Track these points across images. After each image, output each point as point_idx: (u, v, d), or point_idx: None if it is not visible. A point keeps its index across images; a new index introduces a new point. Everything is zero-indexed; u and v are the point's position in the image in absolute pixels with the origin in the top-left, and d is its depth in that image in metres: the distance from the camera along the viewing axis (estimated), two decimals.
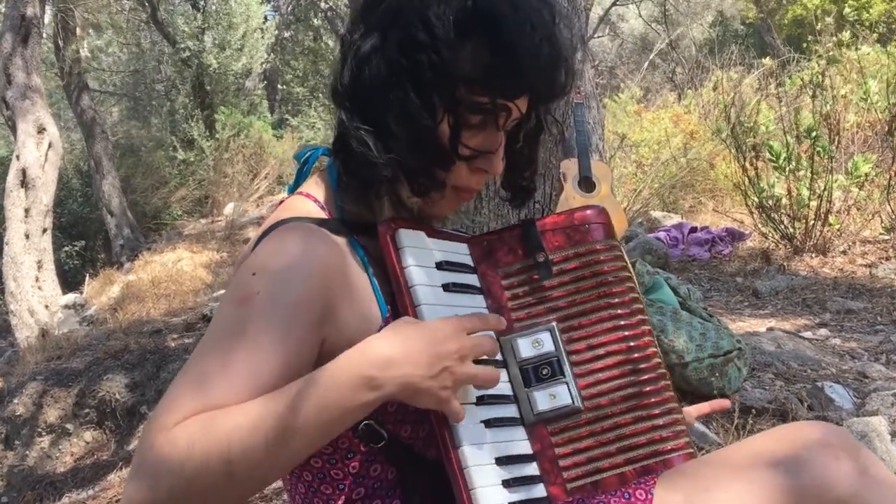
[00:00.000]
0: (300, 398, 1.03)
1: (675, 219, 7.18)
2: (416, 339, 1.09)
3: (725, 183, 7.56)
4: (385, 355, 1.06)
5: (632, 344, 1.31)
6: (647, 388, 1.30)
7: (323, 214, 1.25)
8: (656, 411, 1.29)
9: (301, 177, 1.35)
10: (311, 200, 1.27)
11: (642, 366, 1.31)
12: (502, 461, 1.21)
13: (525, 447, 1.26)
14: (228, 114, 11.80)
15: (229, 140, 11.25)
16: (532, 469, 1.26)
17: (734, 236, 6.32)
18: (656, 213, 7.43)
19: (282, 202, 1.31)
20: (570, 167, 5.21)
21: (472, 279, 1.32)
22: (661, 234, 6.40)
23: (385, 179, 1.21)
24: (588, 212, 1.36)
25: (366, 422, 1.18)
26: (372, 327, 1.18)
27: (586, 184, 5.34)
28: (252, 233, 8.61)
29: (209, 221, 10.17)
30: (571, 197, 4.89)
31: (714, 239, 6.25)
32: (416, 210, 1.27)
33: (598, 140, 6.78)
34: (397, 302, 1.21)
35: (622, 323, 1.32)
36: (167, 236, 9.55)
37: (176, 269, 7.59)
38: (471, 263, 1.33)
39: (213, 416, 1.02)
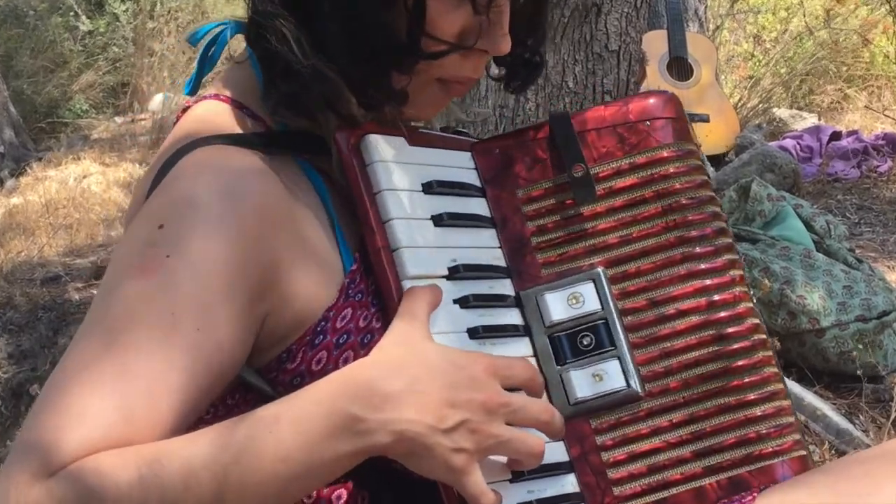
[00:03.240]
0: (252, 443, 0.90)
1: (810, 120, 6.67)
2: (427, 369, 0.96)
3: (886, 67, 7.17)
4: (380, 388, 0.93)
5: (716, 298, 1.13)
6: (739, 363, 1.13)
7: (252, 126, 1.12)
8: (751, 396, 1.12)
9: (206, 66, 1.20)
10: (229, 105, 1.13)
11: (730, 329, 1.13)
12: (522, 475, 1.06)
13: (558, 452, 1.11)
14: None
15: (155, 2, 9.78)
16: (568, 484, 1.11)
17: None
18: (782, 112, 6.92)
19: (185, 110, 1.16)
20: (655, 42, 4.86)
21: (479, 205, 1.16)
22: (790, 143, 5.92)
23: (317, 96, 1.08)
24: (650, 100, 1.18)
25: None
26: (328, 291, 1.06)
27: (679, 67, 4.96)
28: None
29: (128, 120, 8.92)
30: (657, 86, 4.54)
31: (867, 149, 5.74)
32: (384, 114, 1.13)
33: (699, 3, 6.34)
34: (367, 246, 1.08)
35: (702, 267, 1.14)
36: (68, 141, 8.39)
37: (80, 188, 6.74)
38: (476, 182, 1.17)
39: (142, 459, 0.90)
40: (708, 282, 1.13)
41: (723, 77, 7.08)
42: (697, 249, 1.13)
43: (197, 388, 0.95)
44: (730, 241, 1.15)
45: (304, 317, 1.04)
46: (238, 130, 1.09)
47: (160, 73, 9.20)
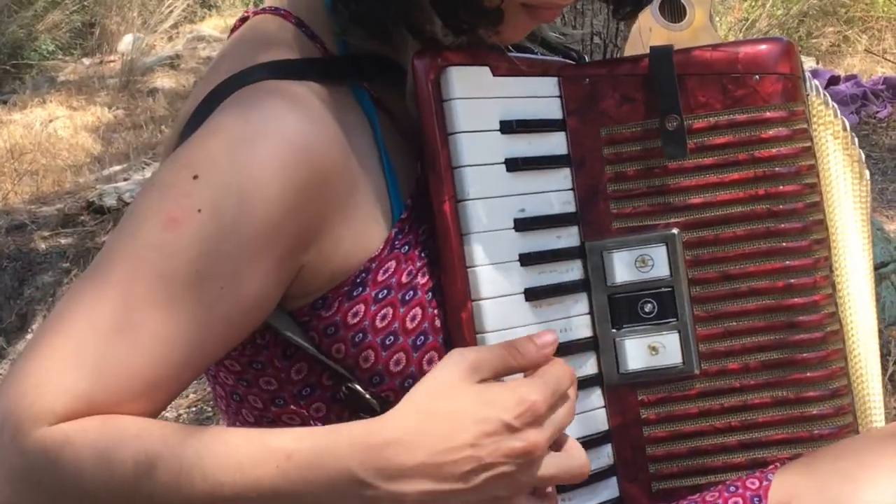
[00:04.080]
0: (255, 471, 0.85)
1: (808, 64, 6.53)
2: (457, 424, 0.87)
3: (887, 8, 7.01)
4: (396, 460, 0.86)
5: (793, 282, 1.07)
6: (805, 355, 1.08)
7: (307, 49, 1.03)
8: (811, 393, 1.08)
9: None
10: (289, 22, 1.04)
11: (803, 318, 1.08)
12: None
13: (599, 420, 1.07)
14: None
15: None
16: (603, 456, 1.07)
17: None
18: None
19: (242, 21, 1.08)
20: None
21: (557, 141, 1.08)
22: None
23: (397, 12, 0.98)
24: (762, 48, 1.09)
25: (349, 385, 1.01)
26: (372, 242, 0.99)
27: (672, 8, 4.75)
28: (162, 79, 7.51)
29: (97, 62, 8.47)
30: (647, 29, 4.33)
31: (866, 94, 5.63)
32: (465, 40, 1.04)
33: None
34: (430, 193, 1.01)
35: (785, 245, 1.07)
36: (33, 84, 8.00)
37: (47, 133, 6.48)
38: (558, 113, 1.09)
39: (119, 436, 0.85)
40: (789, 262, 1.07)
41: (717, 19, 6.90)
42: (784, 225, 1.07)
43: (215, 346, 0.92)
44: (821, 217, 1.10)
45: (343, 268, 0.98)
46: (294, 54, 1.01)
47: (130, 12, 8.83)
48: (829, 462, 1.04)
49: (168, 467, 0.84)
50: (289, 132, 0.93)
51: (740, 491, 1.04)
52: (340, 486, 0.86)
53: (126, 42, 8.26)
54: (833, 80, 5.63)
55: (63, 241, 4.50)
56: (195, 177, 0.91)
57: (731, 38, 6.77)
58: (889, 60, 6.40)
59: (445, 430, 0.86)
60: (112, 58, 8.32)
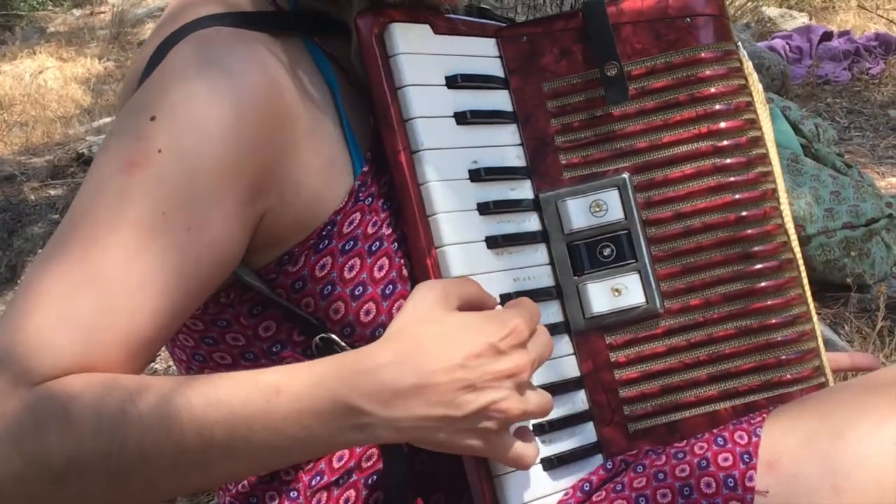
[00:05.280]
0: (246, 409, 0.85)
1: (800, 20, 6.58)
2: (446, 349, 0.88)
3: None
4: (389, 383, 0.86)
5: (744, 214, 1.10)
6: (763, 284, 1.10)
7: (260, 3, 1.04)
8: (774, 320, 1.10)
9: None
10: None
11: (757, 248, 1.10)
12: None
13: (569, 366, 1.08)
14: None
15: None
16: (578, 401, 1.08)
17: (889, 47, 5.72)
18: (771, 11, 6.81)
19: None
20: None
21: (502, 99, 1.11)
22: (778, 43, 5.82)
23: None
24: None
25: (322, 336, 1.02)
26: (336, 193, 1.01)
27: None
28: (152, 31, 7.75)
29: (86, 13, 8.61)
30: None
31: (858, 51, 5.67)
32: None
33: None
34: (385, 146, 1.02)
35: (732, 180, 1.10)
36: (22, 35, 8.06)
37: (36, 84, 6.54)
38: (500, 73, 1.12)
39: (114, 391, 0.85)
40: (738, 196, 1.10)
41: None
42: (729, 161, 1.10)
43: (186, 290, 0.91)
44: (764, 151, 1.12)
45: (307, 219, 0.99)
46: (244, 8, 1.02)
47: None
48: (816, 417, 1.05)
49: (156, 412, 0.83)
50: (243, 73, 0.94)
51: (729, 446, 1.04)
52: (335, 416, 0.85)
53: None
54: (826, 36, 5.65)
55: (52, 192, 4.43)
56: (152, 118, 0.91)
57: None
58: (882, 17, 6.38)
59: (435, 353, 0.87)
60: (102, 9, 8.29)
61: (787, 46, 5.58)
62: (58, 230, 0.91)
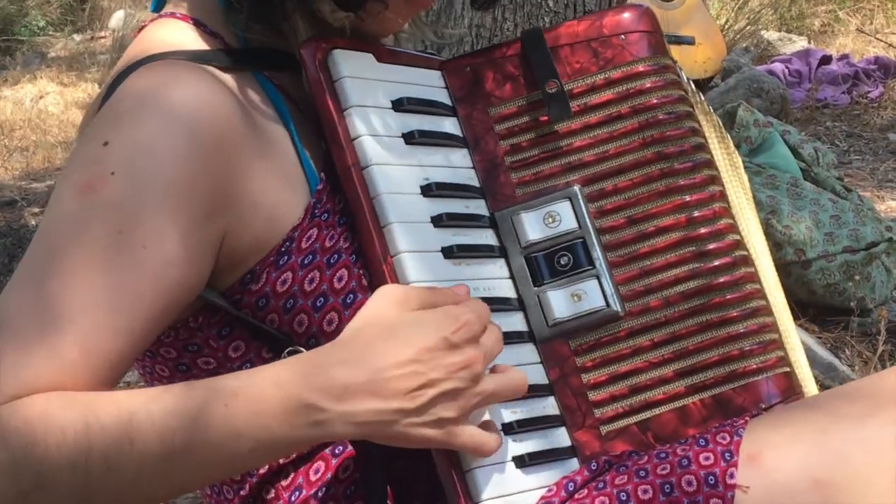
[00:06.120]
0: (204, 414, 0.89)
1: (800, 43, 6.50)
2: (399, 344, 0.92)
3: None
4: (341, 379, 0.90)
5: (696, 214, 1.14)
6: (720, 280, 1.13)
7: (209, 43, 1.09)
8: (734, 313, 1.12)
9: None
10: (188, 23, 1.11)
11: (711, 246, 1.13)
12: None
13: (537, 374, 1.11)
14: None
15: None
16: (548, 406, 1.10)
17: (888, 70, 5.69)
18: (770, 35, 6.71)
19: (141, 29, 1.14)
20: None
21: (450, 124, 1.16)
22: (778, 67, 5.78)
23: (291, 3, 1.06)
24: (624, 14, 1.18)
25: (290, 349, 1.03)
26: (293, 211, 1.05)
27: None
28: None
29: (87, 38, 8.60)
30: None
31: (857, 74, 5.65)
32: (349, 29, 1.11)
33: None
34: (336, 164, 1.06)
35: (680, 183, 1.14)
36: (24, 60, 8.06)
37: (37, 109, 6.48)
38: (447, 101, 1.17)
39: (76, 402, 0.88)
40: (687, 198, 1.13)
41: None
42: (676, 165, 1.14)
43: (149, 310, 0.94)
44: (708, 156, 1.16)
45: (266, 237, 1.03)
46: (196, 48, 1.07)
47: None
48: (799, 417, 1.07)
49: (118, 423, 0.86)
50: (192, 96, 0.98)
51: (711, 446, 1.05)
52: (291, 414, 0.88)
53: (117, 18, 8.20)
54: (825, 60, 5.64)
55: None
56: (105, 143, 0.95)
57: (724, 18, 6.64)
58: (881, 40, 6.37)
59: (388, 349, 0.90)
60: (103, 34, 8.33)
61: (786, 70, 5.57)
62: (24, 257, 0.95)
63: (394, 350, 0.90)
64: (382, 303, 0.94)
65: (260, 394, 0.89)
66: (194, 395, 0.89)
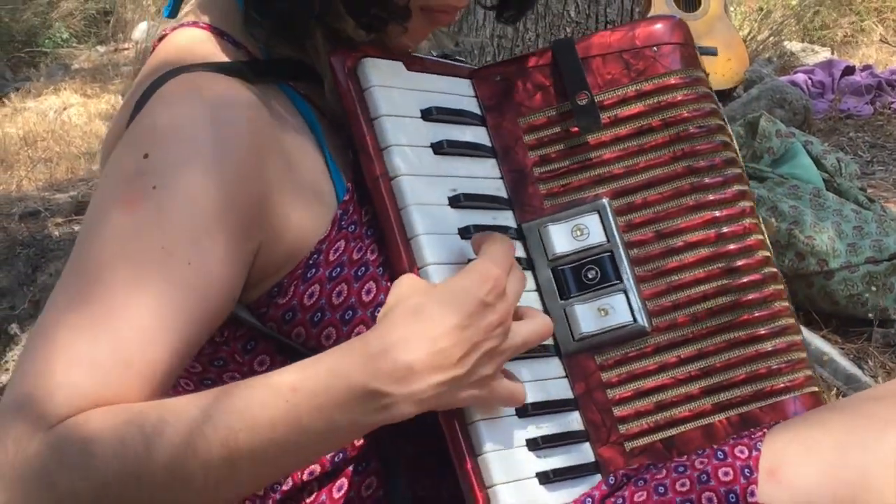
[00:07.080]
0: (266, 412, 0.88)
1: (823, 54, 6.45)
2: (442, 316, 0.92)
3: None
4: (402, 360, 0.90)
5: (725, 230, 1.13)
6: (749, 297, 1.13)
7: (234, 54, 1.08)
8: (762, 331, 1.12)
9: None
10: (210, 32, 1.10)
11: (740, 262, 1.13)
12: (527, 411, 1.05)
13: (562, 388, 1.11)
14: None
15: None
16: (573, 422, 1.10)
17: None
18: (793, 45, 6.68)
19: (162, 38, 1.13)
20: None
21: (479, 134, 1.15)
22: (801, 78, 5.76)
23: (312, 14, 1.05)
24: (657, 26, 1.17)
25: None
26: (321, 223, 1.04)
27: None
28: None
29: (111, 50, 8.59)
30: None
31: (881, 85, 5.58)
32: (370, 43, 1.11)
33: None
34: (364, 174, 1.06)
35: (710, 198, 1.13)
36: (47, 71, 8.05)
37: (61, 120, 6.49)
38: (476, 110, 1.16)
39: (131, 414, 0.88)
40: (717, 213, 1.13)
41: (732, 8, 6.81)
42: (706, 180, 1.13)
43: (193, 326, 0.93)
44: (739, 171, 1.16)
45: (296, 249, 1.02)
46: (220, 59, 1.07)
47: (144, 0, 8.80)
48: (817, 429, 1.06)
49: (177, 431, 0.85)
50: (228, 112, 0.98)
51: (729, 460, 1.05)
52: (355, 403, 0.89)
53: (141, 30, 8.17)
54: (848, 71, 5.60)
55: (77, 228, 4.34)
56: (145, 155, 0.95)
57: (747, 29, 6.60)
58: None
59: (434, 321, 0.91)
60: (126, 45, 8.33)
61: (809, 81, 5.52)
62: (63, 273, 0.94)
63: (440, 322, 0.91)
64: (410, 285, 0.96)
65: (321, 386, 0.89)
66: (253, 394, 0.88)
